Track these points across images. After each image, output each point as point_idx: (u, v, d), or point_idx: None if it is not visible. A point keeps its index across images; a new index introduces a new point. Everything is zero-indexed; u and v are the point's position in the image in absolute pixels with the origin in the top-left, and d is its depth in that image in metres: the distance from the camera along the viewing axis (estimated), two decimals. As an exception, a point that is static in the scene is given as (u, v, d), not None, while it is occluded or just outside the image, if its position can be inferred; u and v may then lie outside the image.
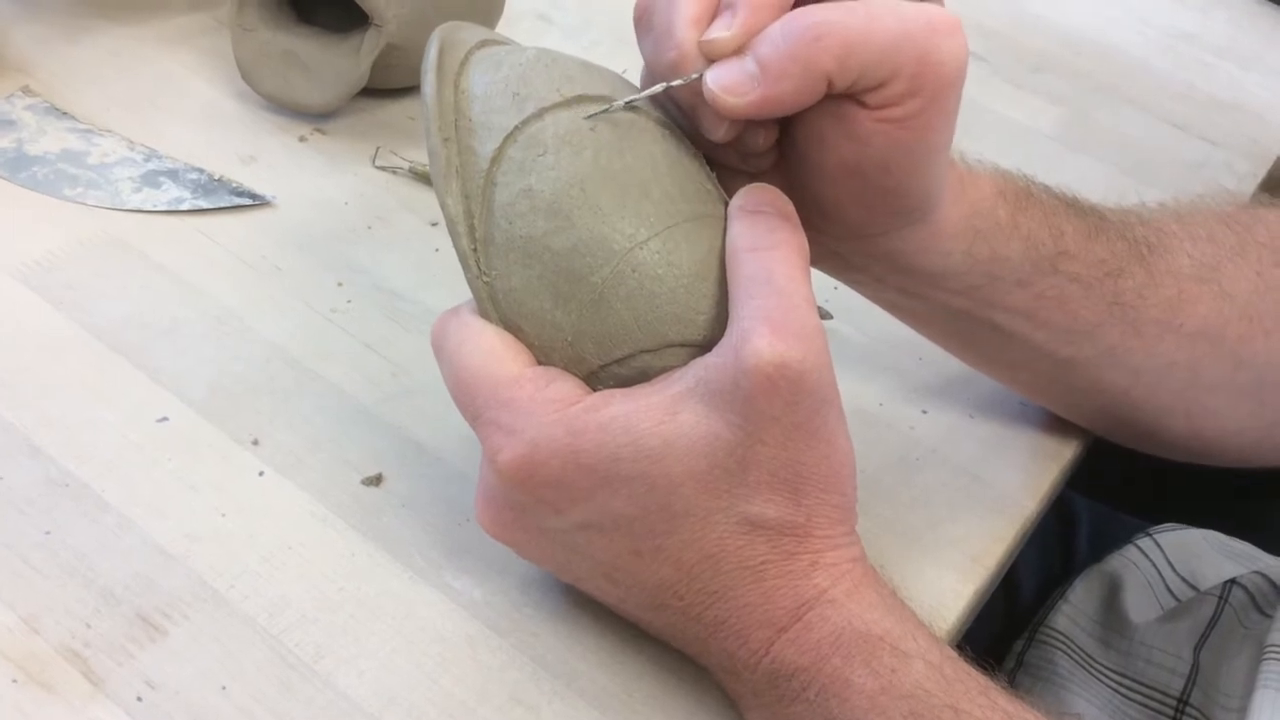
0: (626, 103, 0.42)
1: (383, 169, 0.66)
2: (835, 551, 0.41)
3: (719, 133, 0.42)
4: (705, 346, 0.41)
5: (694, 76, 0.40)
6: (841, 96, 0.40)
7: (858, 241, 0.46)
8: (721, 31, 0.39)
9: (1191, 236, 0.53)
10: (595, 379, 0.42)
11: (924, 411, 0.58)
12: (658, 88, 0.41)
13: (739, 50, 0.39)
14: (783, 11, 0.39)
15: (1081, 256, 0.49)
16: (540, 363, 0.42)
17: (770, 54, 0.39)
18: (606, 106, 0.41)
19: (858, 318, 0.61)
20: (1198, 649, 0.59)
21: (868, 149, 0.41)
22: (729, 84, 0.39)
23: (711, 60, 0.40)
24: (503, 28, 0.73)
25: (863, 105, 0.40)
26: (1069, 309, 0.50)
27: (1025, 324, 0.50)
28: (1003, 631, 0.66)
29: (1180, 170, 0.82)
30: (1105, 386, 0.53)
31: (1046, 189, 0.51)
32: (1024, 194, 0.49)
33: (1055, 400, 0.57)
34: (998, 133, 0.80)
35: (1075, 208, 0.51)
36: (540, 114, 0.41)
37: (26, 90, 0.66)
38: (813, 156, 0.43)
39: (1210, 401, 0.54)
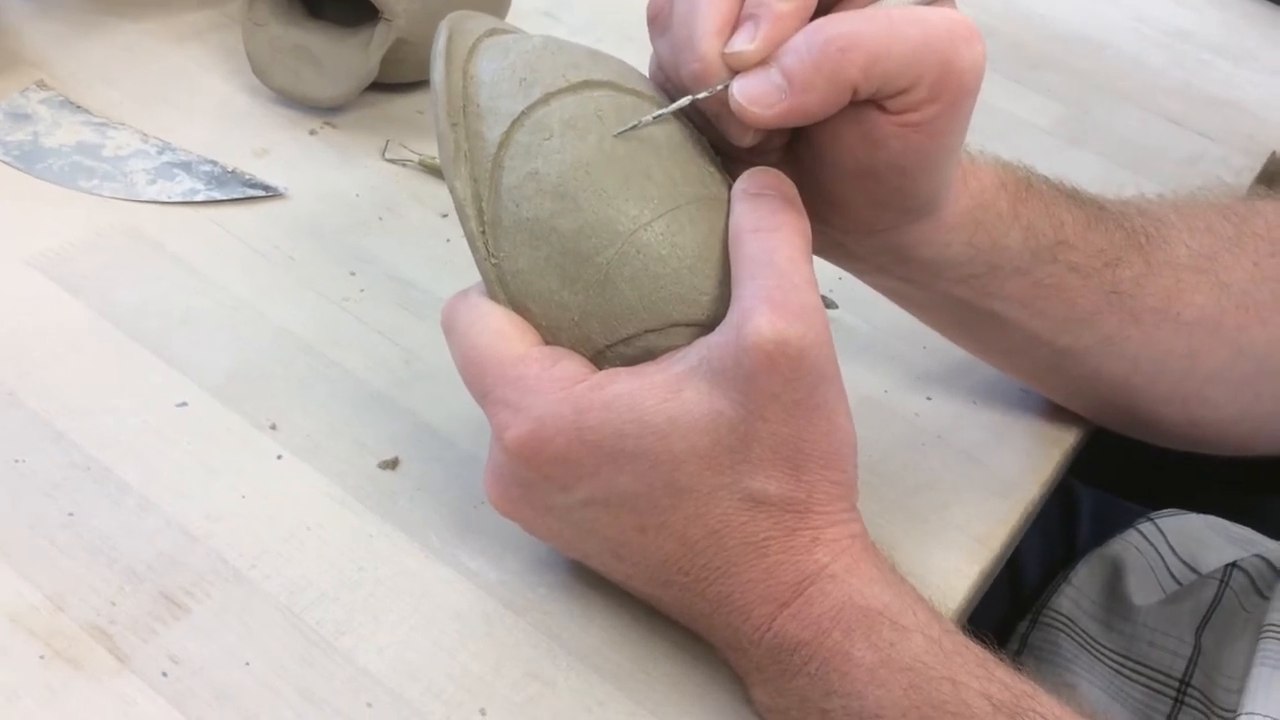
0: (655, 117, 0.42)
1: (393, 161, 0.67)
2: (835, 528, 0.42)
3: (745, 140, 0.42)
4: (709, 326, 0.42)
5: (719, 88, 0.41)
6: (861, 102, 0.40)
7: (863, 235, 0.47)
8: (745, 44, 0.40)
9: (1189, 227, 0.54)
10: (602, 358, 0.43)
11: (928, 398, 0.59)
12: (683, 101, 0.42)
13: (763, 62, 0.40)
14: (804, 22, 0.40)
15: (1080, 246, 0.50)
16: (547, 343, 0.43)
17: (796, 66, 0.39)
18: (635, 123, 0.42)
19: (863, 307, 0.62)
20: (1199, 631, 0.60)
21: (883, 152, 0.42)
22: (756, 95, 0.40)
23: (735, 72, 0.40)
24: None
25: (882, 110, 0.41)
26: (1067, 297, 0.51)
27: (1023, 312, 0.51)
28: (1008, 615, 0.67)
29: (1177, 166, 0.83)
30: (1104, 375, 0.54)
31: (1046, 180, 0.51)
32: (1024, 185, 0.50)
33: (1054, 388, 0.58)
34: (996, 128, 0.81)
35: (1075, 198, 0.52)
36: (546, 99, 0.42)
37: (41, 84, 0.67)
38: (827, 156, 0.44)
39: (1208, 390, 0.55)
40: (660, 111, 0.43)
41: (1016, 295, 0.50)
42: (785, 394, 0.40)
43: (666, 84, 0.44)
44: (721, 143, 0.44)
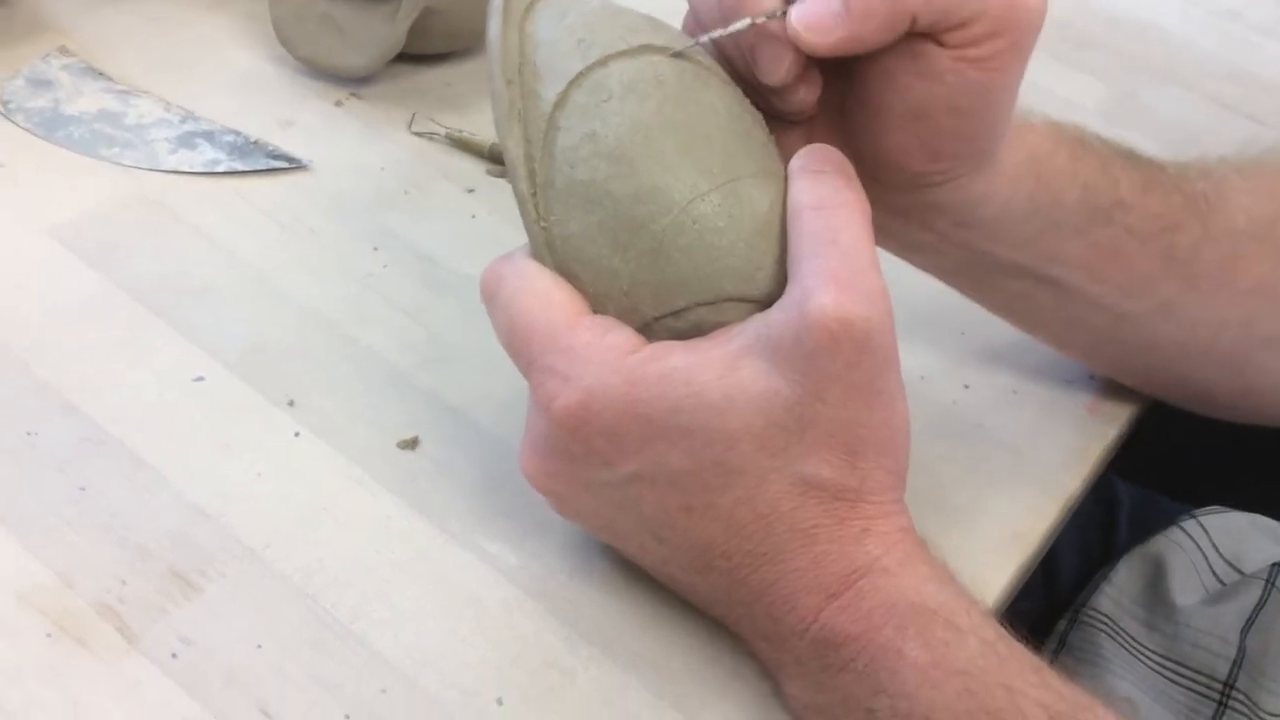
0: (712, 37, 0.42)
1: (419, 135, 0.66)
2: (886, 519, 0.40)
3: (777, 75, 0.41)
4: (763, 303, 0.40)
5: (778, 14, 0.40)
6: (917, 35, 0.40)
7: (920, 192, 0.46)
8: None
9: (1251, 191, 0.52)
10: (649, 330, 0.41)
11: (966, 386, 0.57)
12: (742, 24, 0.41)
13: None
14: None
15: (1137, 208, 0.49)
16: (595, 311, 0.42)
17: None
18: (693, 42, 0.42)
19: (901, 290, 0.59)
20: (1244, 633, 0.58)
21: (939, 88, 0.41)
22: (812, 21, 0.39)
23: (790, 1, 0.40)
24: None
25: (940, 44, 0.40)
26: (1125, 261, 0.49)
27: (1083, 277, 0.50)
28: (1042, 613, 0.65)
29: (1226, 150, 0.80)
30: (1160, 341, 0.53)
31: (1100, 138, 0.50)
32: (1079, 142, 0.49)
33: (1110, 360, 0.56)
34: (1042, 109, 0.78)
35: (1131, 158, 0.50)
36: (605, 61, 0.41)
37: (63, 50, 0.66)
38: (877, 99, 0.42)
39: (1262, 357, 0.53)
40: (718, 33, 0.42)
41: (1075, 259, 0.49)
42: (846, 376, 0.38)
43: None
44: (761, 101, 0.43)
